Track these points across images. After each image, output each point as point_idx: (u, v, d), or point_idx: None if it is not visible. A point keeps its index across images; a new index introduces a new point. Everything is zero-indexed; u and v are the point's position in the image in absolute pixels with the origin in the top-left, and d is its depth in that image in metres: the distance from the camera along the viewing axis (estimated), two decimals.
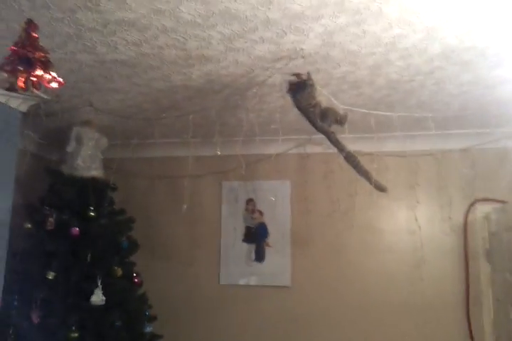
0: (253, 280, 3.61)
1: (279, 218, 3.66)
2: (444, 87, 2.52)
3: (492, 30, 1.93)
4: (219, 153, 2.59)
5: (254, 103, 2.80)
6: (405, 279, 3.34)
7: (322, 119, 2.14)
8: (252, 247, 3.68)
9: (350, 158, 2.24)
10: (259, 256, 3.65)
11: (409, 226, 3.40)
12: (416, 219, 3.34)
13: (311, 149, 3.57)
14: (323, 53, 2.16)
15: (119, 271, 2.98)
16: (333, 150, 3.49)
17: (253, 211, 3.75)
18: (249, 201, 3.77)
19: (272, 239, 3.65)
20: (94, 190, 3.10)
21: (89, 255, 2.86)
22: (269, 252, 3.64)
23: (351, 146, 3.47)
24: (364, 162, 3.49)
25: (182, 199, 3.84)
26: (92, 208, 3.03)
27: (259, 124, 3.09)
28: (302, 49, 2.12)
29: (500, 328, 2.95)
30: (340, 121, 2.23)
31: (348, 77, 2.45)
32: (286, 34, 1.99)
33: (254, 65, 2.31)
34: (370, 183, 2.28)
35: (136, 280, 3.13)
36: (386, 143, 3.46)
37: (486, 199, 3.31)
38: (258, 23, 1.92)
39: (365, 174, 2.29)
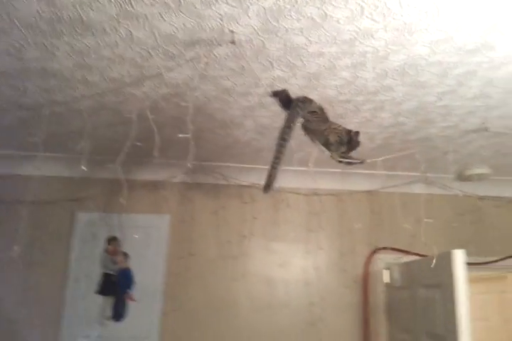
0: None
1: (150, 263, 2.85)
2: (378, 115, 2.13)
3: None
4: (85, 168, 1.77)
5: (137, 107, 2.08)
6: (300, 339, 2.78)
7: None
8: (110, 301, 2.79)
9: (279, 152, 1.58)
10: (118, 313, 2.76)
11: (306, 276, 2.91)
12: (314, 268, 2.87)
13: (200, 178, 2.91)
14: (257, 43, 1.56)
15: None
16: (228, 182, 2.94)
17: (115, 253, 2.88)
18: (112, 240, 2.90)
19: (137, 290, 2.80)
20: None
21: None
22: (132, 308, 2.77)
23: (252, 177, 2.98)
24: (263, 196, 2.99)
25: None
26: None
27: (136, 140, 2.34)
28: (233, 31, 1.50)
29: None
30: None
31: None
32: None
33: (156, 48, 1.62)
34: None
35: None
36: (288, 177, 2.98)
37: (388, 248, 2.99)
38: None
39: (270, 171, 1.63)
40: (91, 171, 2.84)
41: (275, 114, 2.13)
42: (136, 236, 2.86)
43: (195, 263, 2.82)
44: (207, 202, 2.94)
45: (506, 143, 2.41)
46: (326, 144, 1.60)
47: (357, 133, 1.64)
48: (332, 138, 1.57)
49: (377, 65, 1.68)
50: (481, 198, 3.07)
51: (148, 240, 2.89)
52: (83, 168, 1.76)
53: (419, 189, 3.01)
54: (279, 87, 1.85)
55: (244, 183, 2.98)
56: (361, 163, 1.71)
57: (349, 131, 1.63)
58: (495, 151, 2.55)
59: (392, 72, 1.73)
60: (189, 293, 2.78)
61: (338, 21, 1.43)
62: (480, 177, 2.84)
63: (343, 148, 1.62)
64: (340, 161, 1.68)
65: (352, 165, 1.76)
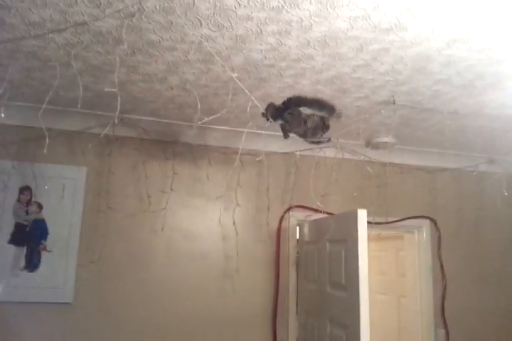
0: (18, 296, 2.69)
1: (65, 215, 2.83)
2: (299, 81, 2.23)
3: None
4: (3, 115, 1.71)
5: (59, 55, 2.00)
6: (216, 291, 2.96)
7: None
8: (22, 251, 2.76)
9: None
10: (32, 264, 2.76)
11: (224, 231, 3.06)
12: (231, 223, 3.03)
13: (121, 131, 2.87)
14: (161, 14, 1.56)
15: None
16: (150, 136, 2.94)
17: (29, 203, 2.82)
18: (25, 189, 2.83)
19: (52, 241, 2.79)
20: None
21: None
22: (46, 258, 2.77)
23: (175, 133, 3.02)
24: (185, 152, 3.05)
25: None
26: None
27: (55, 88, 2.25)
28: None
29: None
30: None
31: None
32: None
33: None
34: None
35: None
36: (210, 135, 3.05)
37: (300, 206, 3.21)
38: None
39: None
40: (2, 117, 2.70)
41: (200, 71, 2.16)
42: (47, 187, 2.81)
43: (113, 217, 2.85)
44: (127, 156, 2.94)
45: (411, 115, 2.65)
46: (304, 131, 1.79)
47: (328, 118, 1.86)
48: (309, 124, 1.74)
49: (300, 34, 1.76)
50: (386, 164, 3.37)
51: (63, 191, 2.85)
52: (1, 115, 1.69)
53: (330, 153, 3.23)
54: (207, 45, 1.88)
55: (167, 139, 3.00)
56: (328, 141, 1.91)
57: (322, 117, 1.80)
58: (400, 123, 2.79)
59: (313, 42, 1.82)
60: (107, 245, 2.81)
61: None
62: (385, 146, 3.11)
63: (320, 133, 1.80)
64: (312, 142, 1.88)
65: (321, 143, 1.97)
